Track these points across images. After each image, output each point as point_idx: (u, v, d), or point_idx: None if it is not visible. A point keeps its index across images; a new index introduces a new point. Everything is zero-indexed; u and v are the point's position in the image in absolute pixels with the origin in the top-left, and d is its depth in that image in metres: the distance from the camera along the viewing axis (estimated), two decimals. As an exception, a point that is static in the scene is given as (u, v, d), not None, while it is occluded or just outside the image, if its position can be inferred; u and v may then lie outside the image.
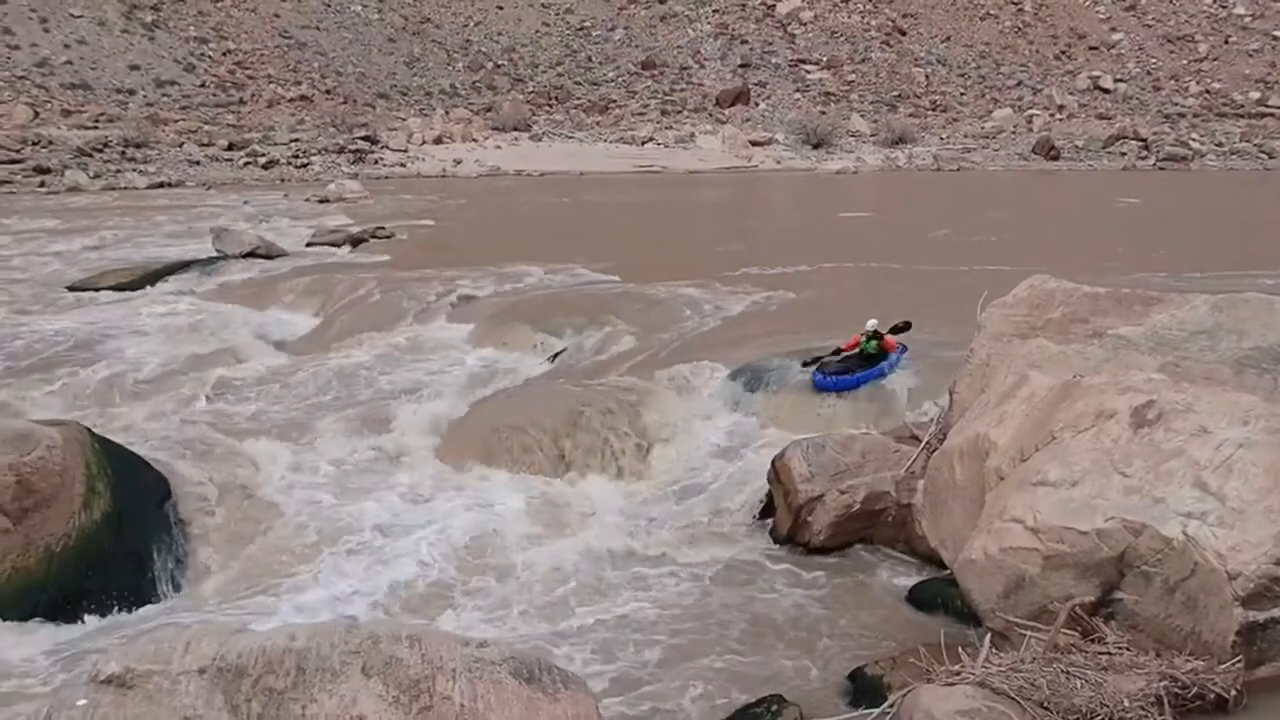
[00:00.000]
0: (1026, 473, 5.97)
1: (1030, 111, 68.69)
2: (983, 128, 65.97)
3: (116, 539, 8.61)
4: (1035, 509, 5.68)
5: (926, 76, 74.85)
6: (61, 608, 7.93)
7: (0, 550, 8.08)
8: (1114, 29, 79.31)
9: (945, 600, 7.44)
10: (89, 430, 9.55)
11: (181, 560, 8.77)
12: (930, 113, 70.12)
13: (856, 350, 11.16)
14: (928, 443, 8.77)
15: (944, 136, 64.26)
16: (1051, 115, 68.27)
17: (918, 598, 7.87)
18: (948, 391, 8.98)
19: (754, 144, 59.26)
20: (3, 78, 56.67)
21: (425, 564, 8.69)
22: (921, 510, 7.56)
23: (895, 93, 72.63)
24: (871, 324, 11.18)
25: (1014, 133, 64.30)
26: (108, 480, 8.94)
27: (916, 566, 8.48)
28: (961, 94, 73.27)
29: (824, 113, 67.45)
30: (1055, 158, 57.16)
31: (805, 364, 11.40)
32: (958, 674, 5.21)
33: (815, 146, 59.55)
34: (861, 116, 67.19)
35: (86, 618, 7.91)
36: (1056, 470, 5.80)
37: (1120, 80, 73.95)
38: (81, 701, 4.28)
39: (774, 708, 6.24)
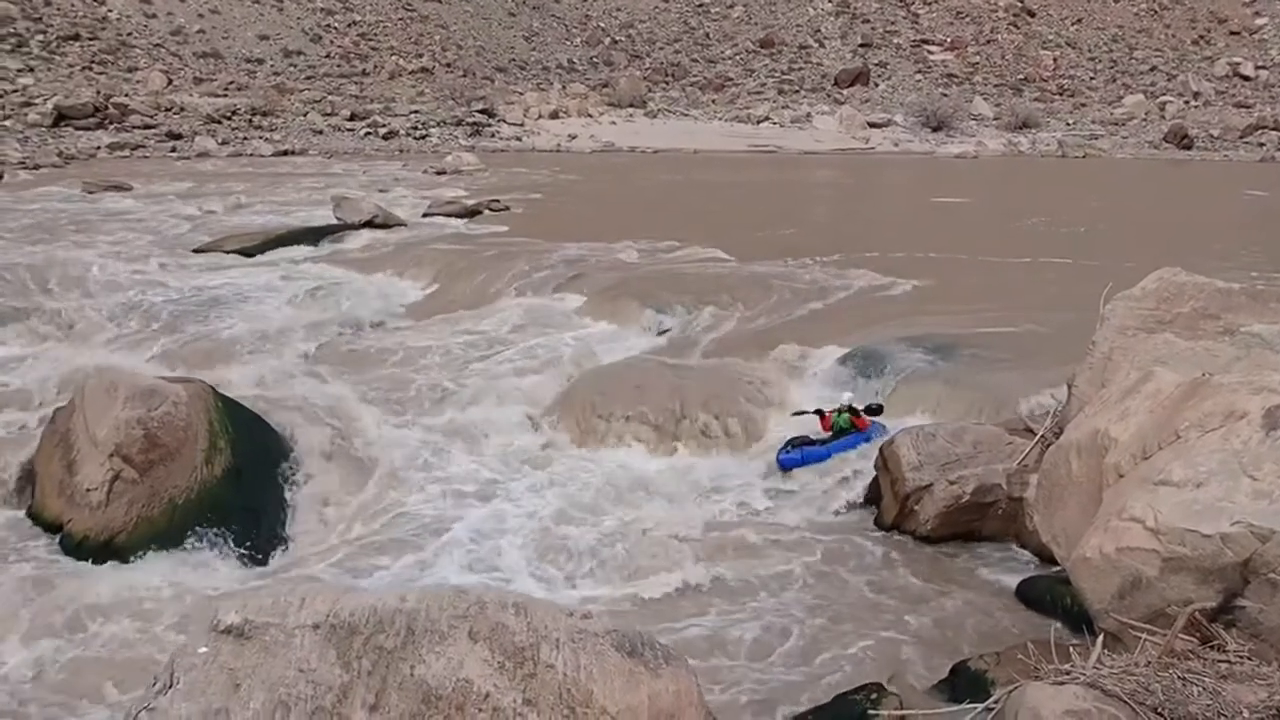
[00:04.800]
0: (1148, 471, 5.75)
1: (1163, 98, 65.78)
2: (1112, 114, 63.46)
3: (235, 494, 8.96)
4: (1156, 509, 5.47)
5: (1055, 60, 72.30)
6: (183, 559, 8.29)
7: (128, 500, 8.51)
8: (1258, 13, 75.31)
9: (1055, 598, 7.26)
10: (212, 389, 9.94)
11: (294, 517, 9.07)
12: (1057, 97, 67.74)
13: (829, 433, 10.24)
14: (1042, 436, 8.54)
15: (1070, 122, 62.04)
16: (1186, 103, 65.27)
17: (1026, 593, 7.69)
18: (1066, 384, 8.71)
19: (872, 125, 58.11)
20: (140, 46, 58.87)
21: (530, 531, 8.84)
22: (1034, 505, 7.35)
23: (1021, 76, 70.33)
24: (846, 397, 10.42)
25: (1145, 120, 61.73)
26: (228, 437, 9.30)
27: (1025, 562, 8.29)
28: (1091, 78, 70.59)
29: (945, 95, 65.71)
30: (1188, 147, 54.69)
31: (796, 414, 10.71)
32: (1067, 673, 5.04)
33: (935, 129, 58.13)
34: (984, 99, 65.25)
35: (205, 568, 8.23)
36: (1181, 470, 5.57)
37: (1262, 67, 70.18)
38: (203, 649, 4.47)
39: (873, 696, 6.18)
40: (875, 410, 10.43)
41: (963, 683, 6.35)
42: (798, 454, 9.94)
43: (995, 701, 5.25)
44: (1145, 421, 6.14)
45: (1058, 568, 6.93)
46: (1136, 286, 8.70)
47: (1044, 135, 57.39)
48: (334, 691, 4.32)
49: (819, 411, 10.35)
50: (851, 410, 10.19)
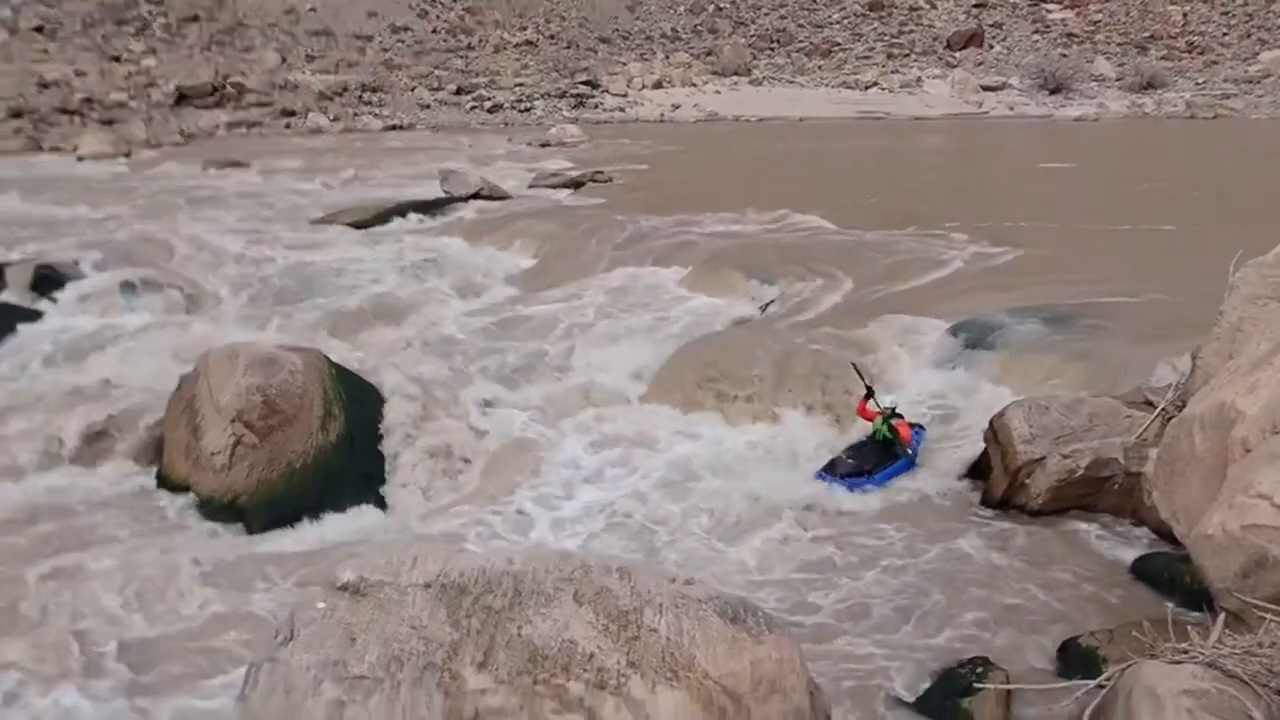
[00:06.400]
0: (1278, 446, 5.51)
1: (1304, 53, 62.18)
2: (1247, 72, 60.15)
3: (349, 459, 9.27)
4: (1285, 485, 5.24)
5: (1184, 15, 68.95)
6: (300, 520, 8.61)
7: (249, 463, 8.88)
8: None
9: (1173, 575, 7.04)
10: (326, 357, 10.27)
11: (404, 481, 9.32)
12: (1185, 55, 64.58)
13: (871, 433, 9.46)
14: (1163, 409, 8.23)
15: (1200, 81, 59.12)
16: (1330, 57, 61.59)
17: (1141, 570, 7.47)
18: (1189, 356, 8.38)
19: (985, 89, 56.41)
20: (255, 25, 60.55)
21: (630, 499, 8.94)
22: (1153, 480, 7.11)
23: (1146, 33, 67.29)
24: (889, 401, 9.66)
25: (1284, 77, 58.44)
26: (342, 404, 9.61)
27: (1141, 538, 8.03)
28: (1224, 34, 67.09)
29: (1065, 55, 63.30)
30: (1331, 105, 51.65)
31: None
32: (1185, 652, 4.89)
33: (1053, 92, 56.09)
34: (1106, 59, 62.66)
35: (322, 530, 8.54)
36: (1313, 445, 5.32)
37: None
38: (321, 605, 4.70)
39: (980, 670, 6.10)
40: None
41: (1073, 659, 6.22)
42: (846, 482, 9.00)
43: (1107, 679, 5.12)
44: (1276, 394, 5.88)
45: (1176, 545, 6.70)
46: (1270, 253, 8.26)
47: (1171, 95, 54.87)
48: (444, 648, 4.45)
49: (869, 390, 9.54)
50: (895, 415, 9.41)
